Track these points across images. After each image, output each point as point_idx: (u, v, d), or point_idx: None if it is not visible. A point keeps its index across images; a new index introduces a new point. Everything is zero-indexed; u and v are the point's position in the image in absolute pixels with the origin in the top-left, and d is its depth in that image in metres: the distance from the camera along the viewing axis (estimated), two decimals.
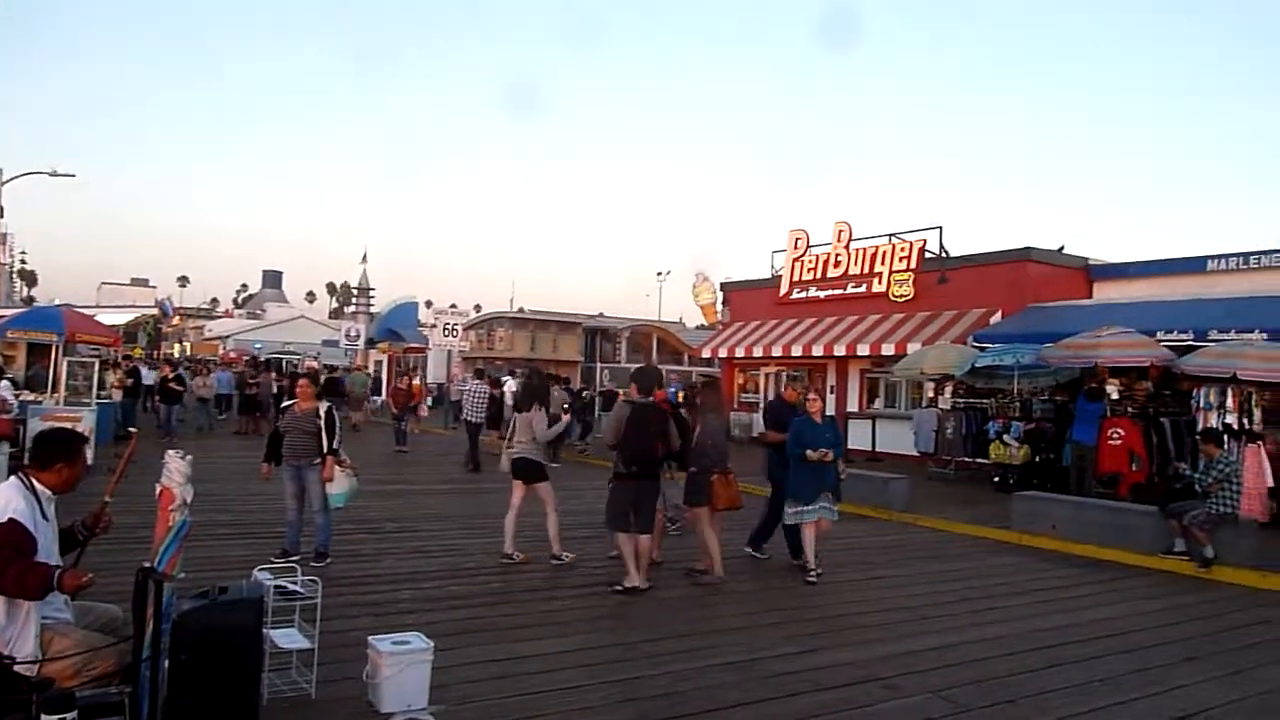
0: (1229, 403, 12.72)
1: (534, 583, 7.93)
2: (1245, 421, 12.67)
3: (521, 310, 50.58)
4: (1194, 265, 18.06)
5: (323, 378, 16.87)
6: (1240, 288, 16.73)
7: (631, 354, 45.65)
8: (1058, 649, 6.52)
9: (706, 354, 27.34)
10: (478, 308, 49.65)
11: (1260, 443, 12.42)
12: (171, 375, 19.76)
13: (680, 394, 14.82)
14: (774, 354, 23.78)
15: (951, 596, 8.15)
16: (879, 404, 22.79)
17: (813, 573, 8.34)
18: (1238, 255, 17.41)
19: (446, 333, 31.10)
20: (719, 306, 29.32)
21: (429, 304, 62.59)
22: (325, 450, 8.06)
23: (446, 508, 12.26)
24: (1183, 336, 14.65)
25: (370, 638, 4.86)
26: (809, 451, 8.32)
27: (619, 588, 7.57)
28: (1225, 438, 12.17)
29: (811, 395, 8.84)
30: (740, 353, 25.11)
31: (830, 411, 21.97)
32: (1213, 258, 17.78)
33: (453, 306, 37.07)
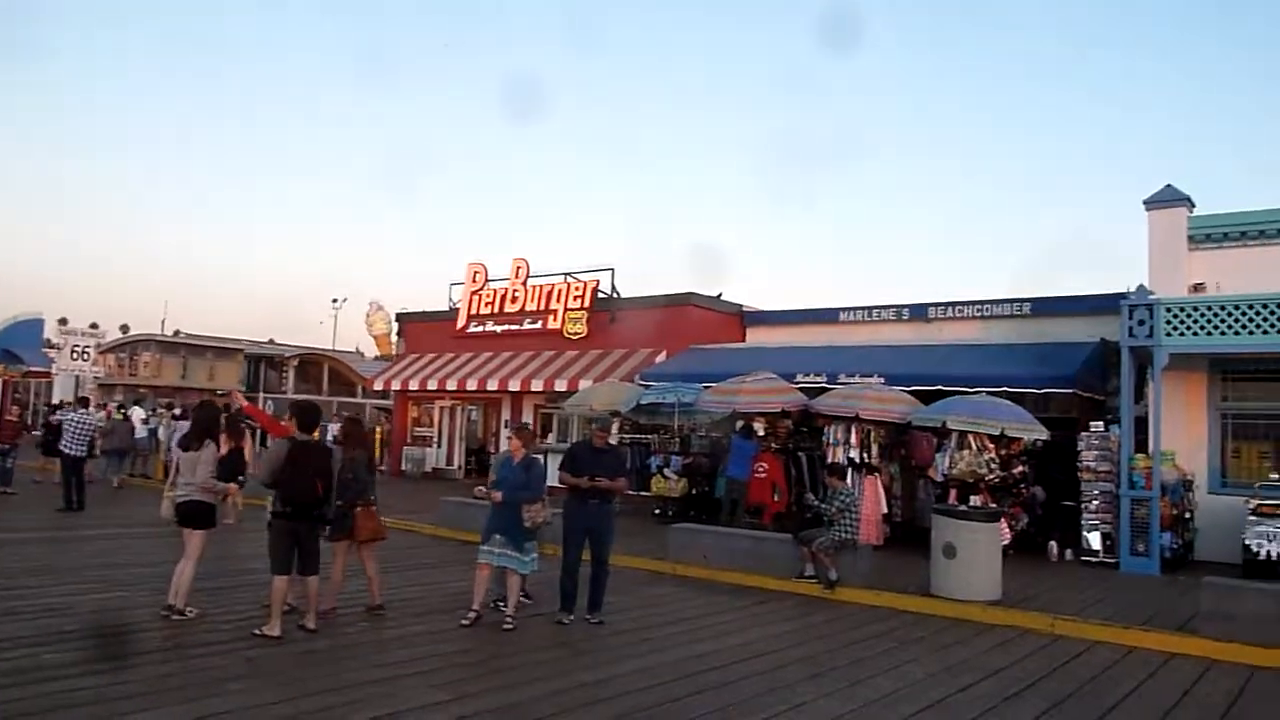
0: (853, 439, 14.31)
1: (151, 643, 6.98)
2: (865, 456, 14.31)
3: (177, 333, 45.86)
4: (829, 315, 20.25)
5: None
6: (865, 337, 18.99)
7: (300, 384, 42.97)
8: (702, 675, 6.81)
9: (380, 386, 26.34)
10: (125, 328, 43.95)
11: (876, 474, 14.08)
12: None
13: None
14: (449, 388, 23.44)
15: (607, 629, 8.29)
16: (552, 439, 23.15)
17: (507, 618, 8.06)
18: (863, 309, 19.77)
19: (76, 355, 27.31)
20: (394, 338, 28.45)
21: (63, 322, 54.38)
22: None
23: (54, 558, 10.59)
24: (818, 379, 16.29)
25: None
26: (477, 489, 8.48)
27: (256, 632, 7.21)
28: (849, 471, 13.65)
29: (507, 434, 9.02)
30: (415, 385, 24.46)
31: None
32: (843, 309, 20.05)
33: (93, 326, 32.40)
